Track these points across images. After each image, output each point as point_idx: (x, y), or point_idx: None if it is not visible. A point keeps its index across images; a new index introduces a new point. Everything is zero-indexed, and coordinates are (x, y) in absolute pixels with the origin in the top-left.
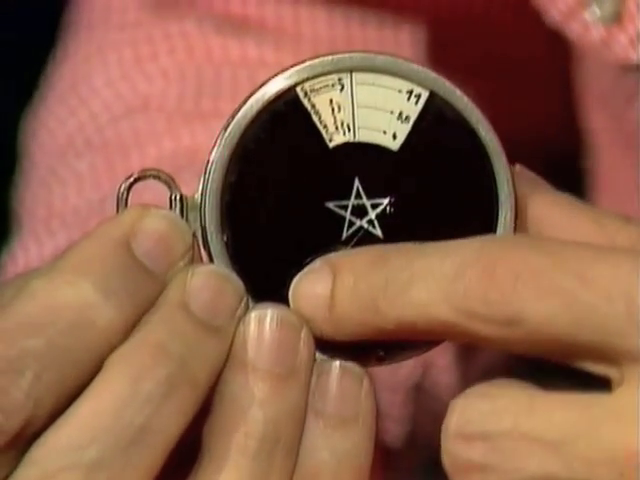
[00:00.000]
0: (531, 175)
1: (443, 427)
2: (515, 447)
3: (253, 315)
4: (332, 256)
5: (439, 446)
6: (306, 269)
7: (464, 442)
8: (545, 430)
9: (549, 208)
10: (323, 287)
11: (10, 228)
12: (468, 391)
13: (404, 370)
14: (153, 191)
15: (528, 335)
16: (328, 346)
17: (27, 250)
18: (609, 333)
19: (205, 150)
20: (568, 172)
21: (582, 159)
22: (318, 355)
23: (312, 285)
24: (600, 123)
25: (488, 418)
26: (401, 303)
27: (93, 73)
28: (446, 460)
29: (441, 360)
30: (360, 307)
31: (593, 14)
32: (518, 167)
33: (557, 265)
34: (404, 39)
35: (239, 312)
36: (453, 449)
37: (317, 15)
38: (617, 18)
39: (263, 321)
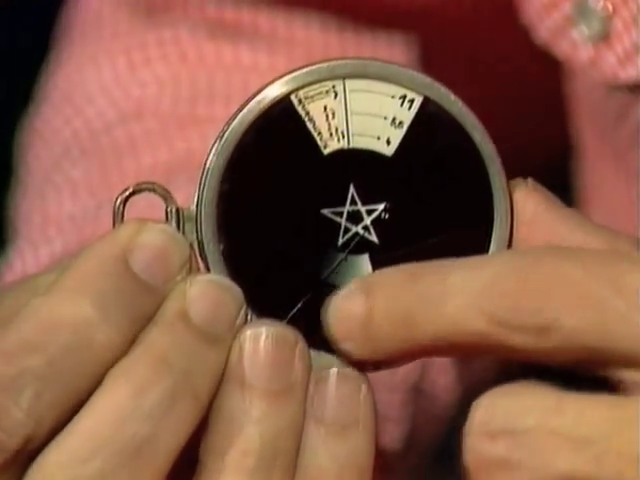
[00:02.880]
0: (543, 190)
1: (466, 424)
2: (542, 444)
3: (248, 333)
4: (366, 276)
5: (437, 446)
6: (341, 291)
7: (488, 439)
8: (574, 427)
9: (561, 226)
10: (358, 306)
11: (7, 236)
12: (493, 390)
13: (402, 371)
14: (147, 199)
15: (561, 343)
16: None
17: (24, 257)
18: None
19: (199, 155)
20: (557, 183)
21: (572, 170)
22: (314, 356)
23: (347, 305)
24: (591, 138)
25: (514, 415)
26: (436, 317)
27: (87, 81)
28: (469, 458)
29: (439, 361)
30: (396, 324)
31: (581, 33)
32: (530, 181)
33: (590, 273)
34: (397, 43)
35: (239, 321)
36: (476, 446)
37: (310, 20)
38: (605, 37)
39: (258, 339)
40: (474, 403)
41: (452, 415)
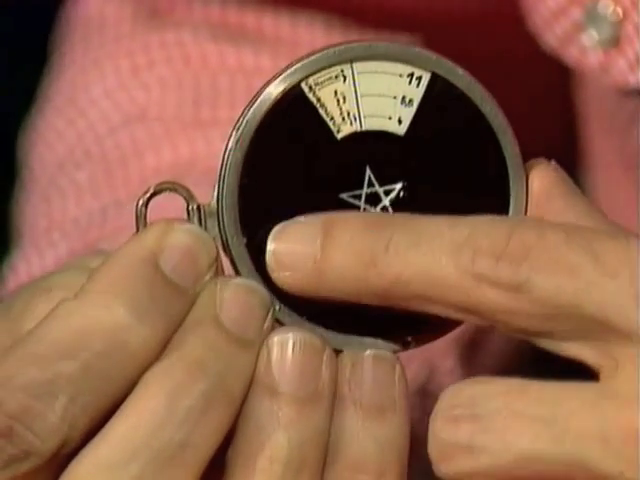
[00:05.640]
0: (562, 173)
1: (433, 411)
2: (504, 426)
3: (276, 339)
4: (324, 213)
5: None
6: (292, 220)
7: (452, 424)
8: (536, 407)
9: (570, 211)
10: (312, 239)
11: (11, 241)
12: (460, 380)
13: (409, 373)
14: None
15: (532, 304)
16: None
17: (29, 262)
18: (610, 310)
19: (204, 158)
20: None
21: (581, 171)
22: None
23: (299, 235)
24: (600, 144)
25: (478, 399)
26: (403, 261)
27: (90, 84)
28: (432, 444)
29: (445, 363)
30: (354, 261)
31: (591, 38)
32: (553, 163)
33: (570, 241)
34: None
35: (267, 324)
36: (440, 432)
37: (314, 23)
38: (616, 42)
39: (286, 346)
40: (442, 391)
41: None
